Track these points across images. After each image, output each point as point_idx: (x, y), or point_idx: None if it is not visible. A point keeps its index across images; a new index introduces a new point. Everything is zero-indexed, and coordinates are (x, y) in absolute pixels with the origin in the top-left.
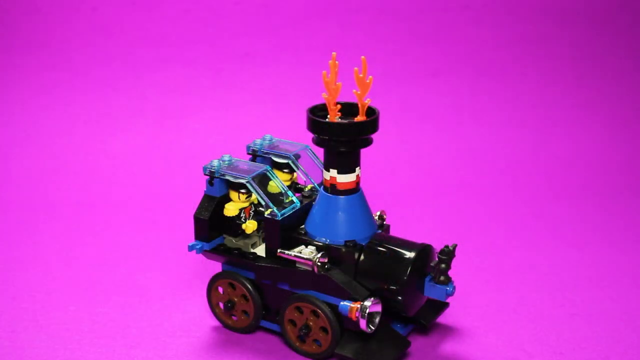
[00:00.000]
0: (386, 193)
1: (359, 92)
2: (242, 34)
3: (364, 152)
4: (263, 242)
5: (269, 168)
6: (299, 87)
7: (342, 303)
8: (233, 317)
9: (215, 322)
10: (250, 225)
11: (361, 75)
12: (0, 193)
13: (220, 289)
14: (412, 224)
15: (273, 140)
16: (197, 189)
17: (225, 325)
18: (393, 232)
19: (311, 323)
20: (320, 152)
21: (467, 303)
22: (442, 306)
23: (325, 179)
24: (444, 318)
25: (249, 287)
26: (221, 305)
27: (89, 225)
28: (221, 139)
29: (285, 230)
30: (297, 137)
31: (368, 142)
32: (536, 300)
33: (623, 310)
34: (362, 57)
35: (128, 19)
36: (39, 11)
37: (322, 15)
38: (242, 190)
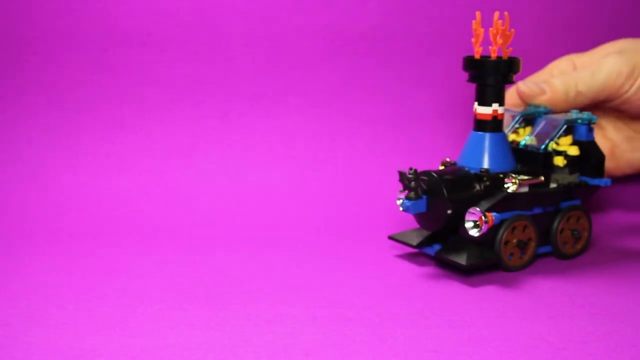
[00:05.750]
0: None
1: (501, 41)
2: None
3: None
4: None
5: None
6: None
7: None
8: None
9: (214, 320)
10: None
11: (504, 28)
12: (6, 220)
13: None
14: None
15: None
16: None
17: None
18: None
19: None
20: None
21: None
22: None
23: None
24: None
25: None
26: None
27: (90, 235)
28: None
29: None
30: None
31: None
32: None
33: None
34: (506, 12)
35: (137, 59)
36: (49, 51)
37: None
38: None
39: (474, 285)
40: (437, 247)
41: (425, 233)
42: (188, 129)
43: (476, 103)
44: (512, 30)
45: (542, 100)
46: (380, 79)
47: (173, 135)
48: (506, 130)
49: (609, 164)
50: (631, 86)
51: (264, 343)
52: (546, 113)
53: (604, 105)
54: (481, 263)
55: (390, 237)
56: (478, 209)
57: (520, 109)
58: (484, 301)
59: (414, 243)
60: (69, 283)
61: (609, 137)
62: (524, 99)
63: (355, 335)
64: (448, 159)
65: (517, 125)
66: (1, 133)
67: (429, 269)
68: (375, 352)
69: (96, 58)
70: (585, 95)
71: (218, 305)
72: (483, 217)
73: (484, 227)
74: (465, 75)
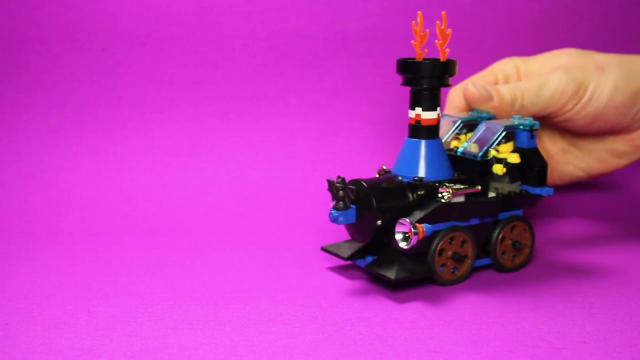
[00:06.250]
0: None
1: (440, 42)
2: (250, 75)
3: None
4: None
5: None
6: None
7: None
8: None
9: (214, 320)
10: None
11: (442, 27)
12: (7, 222)
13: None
14: None
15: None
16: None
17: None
18: None
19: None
20: None
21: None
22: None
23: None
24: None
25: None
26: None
27: (90, 235)
28: (227, 176)
29: None
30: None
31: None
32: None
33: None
34: (443, 12)
35: (137, 59)
36: (49, 51)
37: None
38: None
39: (473, 285)
40: (369, 259)
41: (359, 244)
42: (188, 129)
43: (419, 108)
44: (450, 30)
45: (488, 106)
46: (380, 79)
47: (173, 135)
48: (447, 136)
49: None
50: (574, 106)
51: (264, 343)
52: (489, 118)
53: (544, 120)
54: (412, 277)
55: (323, 249)
56: (408, 219)
57: (464, 115)
58: (484, 301)
59: (345, 255)
60: (69, 283)
61: (544, 147)
62: (471, 101)
63: (355, 335)
64: (384, 167)
65: (457, 131)
66: (1, 133)
67: None
68: (375, 352)
69: (96, 58)
70: (528, 110)
71: (218, 305)
72: (413, 229)
73: (414, 239)
74: (464, 75)
